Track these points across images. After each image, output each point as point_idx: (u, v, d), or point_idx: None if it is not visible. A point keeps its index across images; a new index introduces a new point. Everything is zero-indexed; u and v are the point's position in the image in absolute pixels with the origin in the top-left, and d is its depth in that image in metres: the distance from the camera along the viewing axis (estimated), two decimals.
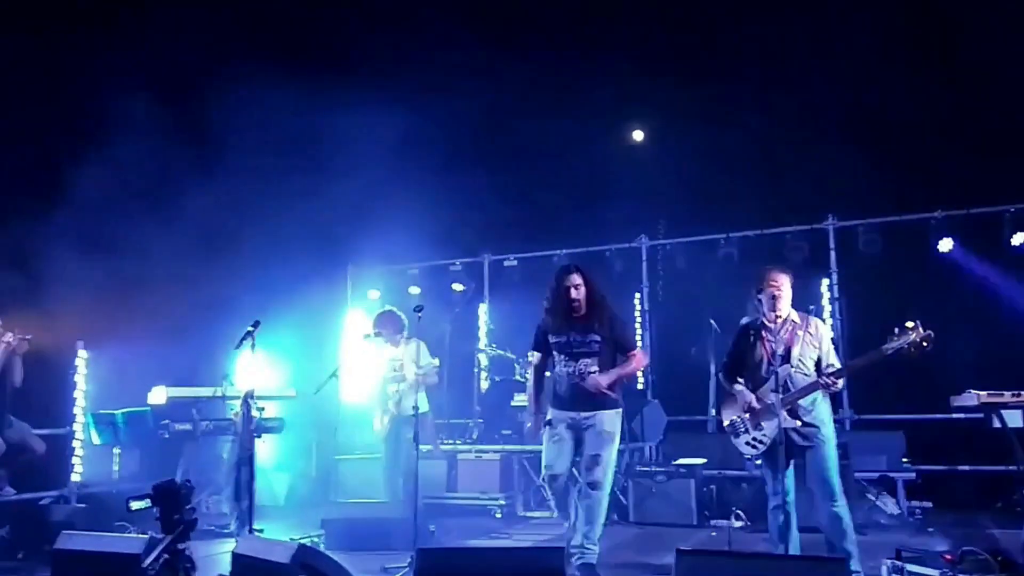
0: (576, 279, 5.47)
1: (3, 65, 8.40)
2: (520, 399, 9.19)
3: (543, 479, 5.61)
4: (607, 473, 5.29)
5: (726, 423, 5.56)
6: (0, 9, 8.65)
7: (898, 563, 5.26)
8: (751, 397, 5.36)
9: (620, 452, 9.15)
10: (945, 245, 9.38)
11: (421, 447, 6.34)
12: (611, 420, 5.40)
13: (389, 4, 10.72)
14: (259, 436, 7.42)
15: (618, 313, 5.70)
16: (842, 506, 5.13)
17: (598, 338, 5.42)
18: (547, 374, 5.80)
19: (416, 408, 6.09)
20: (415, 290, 11.39)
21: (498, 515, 8.67)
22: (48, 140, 8.67)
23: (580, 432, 5.43)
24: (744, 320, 5.59)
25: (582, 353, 5.41)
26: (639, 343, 5.87)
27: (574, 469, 5.50)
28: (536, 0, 11.11)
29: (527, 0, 11.10)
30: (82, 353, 8.73)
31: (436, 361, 7.83)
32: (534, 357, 5.80)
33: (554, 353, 5.54)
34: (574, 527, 5.29)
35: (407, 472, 6.93)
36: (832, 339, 5.56)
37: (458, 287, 11.49)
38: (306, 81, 10.21)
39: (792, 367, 5.26)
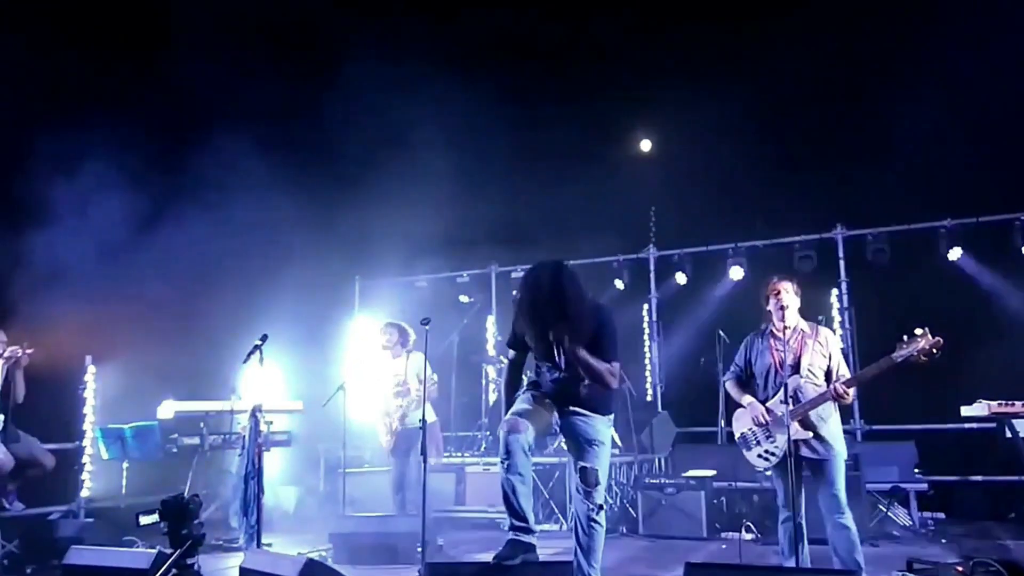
0: (547, 283, 4.63)
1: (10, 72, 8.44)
2: None
3: (501, 431, 4.60)
4: (603, 491, 4.75)
5: (737, 436, 5.52)
6: None
7: (909, 574, 5.22)
8: (761, 409, 5.32)
9: (628, 464, 9.18)
10: (954, 254, 9.36)
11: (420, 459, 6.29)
12: (602, 427, 4.77)
13: (394, 17, 10.76)
14: (267, 450, 7.42)
15: (598, 324, 4.76)
16: (849, 518, 5.09)
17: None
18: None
19: (424, 420, 6.05)
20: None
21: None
22: (56, 156, 8.70)
23: (564, 420, 4.78)
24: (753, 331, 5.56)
25: (563, 362, 4.70)
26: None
27: (572, 487, 4.92)
28: (544, 10, 11.13)
29: (535, 11, 11.12)
30: (91, 368, 8.75)
31: (434, 376, 7.76)
32: (510, 354, 5.09)
33: (534, 358, 4.93)
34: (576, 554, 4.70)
35: (415, 485, 6.90)
36: (842, 349, 5.51)
37: (464, 299, 11.49)
38: (312, 95, 10.27)
39: (801, 377, 5.22)
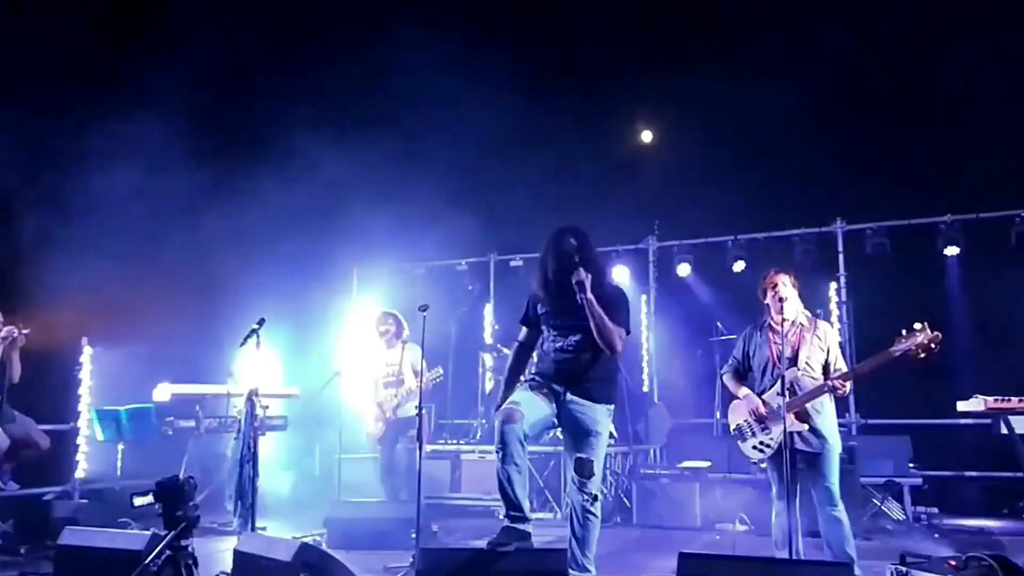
0: (572, 242, 4.95)
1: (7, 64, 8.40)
2: None
3: (496, 420, 4.63)
4: (599, 481, 4.76)
5: (732, 428, 5.52)
6: None
7: (902, 568, 5.21)
8: (758, 402, 5.32)
9: (623, 455, 9.19)
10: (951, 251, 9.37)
11: (409, 446, 6.27)
12: (601, 417, 4.76)
13: (390, 7, 10.72)
14: (263, 434, 7.42)
15: (615, 292, 5.04)
16: (842, 511, 5.10)
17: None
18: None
19: (420, 407, 6.05)
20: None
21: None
22: (55, 140, 8.67)
23: (562, 411, 4.77)
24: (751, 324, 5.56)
25: (574, 327, 4.80)
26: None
27: (569, 478, 4.85)
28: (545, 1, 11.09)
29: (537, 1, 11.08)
30: (87, 350, 8.74)
31: (440, 371, 7.64)
32: (521, 334, 5.16)
33: (543, 329, 4.98)
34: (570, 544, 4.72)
35: (409, 472, 6.89)
36: (840, 343, 5.50)
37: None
38: (312, 80, 10.23)
39: (799, 370, 5.21)
